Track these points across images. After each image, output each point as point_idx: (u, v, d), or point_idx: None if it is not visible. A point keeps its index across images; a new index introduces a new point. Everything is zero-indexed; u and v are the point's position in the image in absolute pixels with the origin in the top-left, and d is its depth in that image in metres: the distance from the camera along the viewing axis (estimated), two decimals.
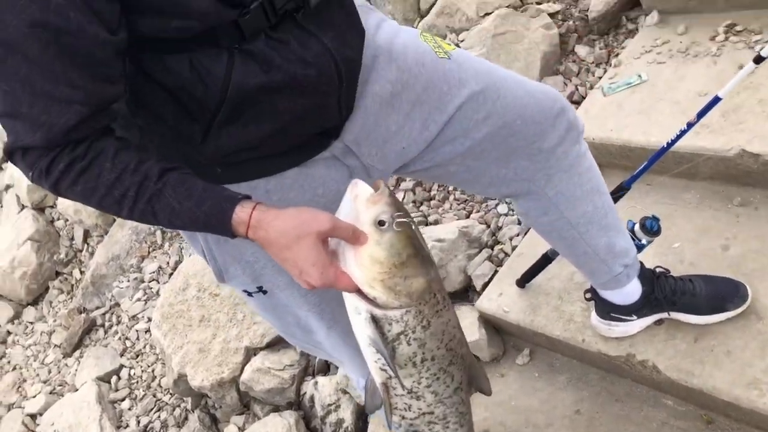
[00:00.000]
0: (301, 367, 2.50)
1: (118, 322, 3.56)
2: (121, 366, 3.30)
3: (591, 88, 2.42)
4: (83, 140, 0.99)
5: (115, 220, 3.97)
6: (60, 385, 3.51)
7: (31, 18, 0.88)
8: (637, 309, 1.69)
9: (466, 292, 2.27)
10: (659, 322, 1.73)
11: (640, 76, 2.23)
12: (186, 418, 2.87)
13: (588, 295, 1.76)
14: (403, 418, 1.15)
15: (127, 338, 3.41)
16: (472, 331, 2.09)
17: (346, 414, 2.31)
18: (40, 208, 4.37)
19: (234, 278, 1.30)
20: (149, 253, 3.72)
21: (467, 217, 2.43)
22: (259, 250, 1.03)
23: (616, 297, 1.68)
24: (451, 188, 2.56)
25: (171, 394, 2.97)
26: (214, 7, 0.96)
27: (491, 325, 2.13)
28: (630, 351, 1.73)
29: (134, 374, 3.23)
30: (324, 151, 1.20)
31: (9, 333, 4.08)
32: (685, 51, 2.21)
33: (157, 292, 3.45)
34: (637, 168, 1.70)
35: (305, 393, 2.48)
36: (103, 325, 3.63)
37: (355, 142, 1.23)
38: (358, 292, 1.00)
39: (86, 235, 4.16)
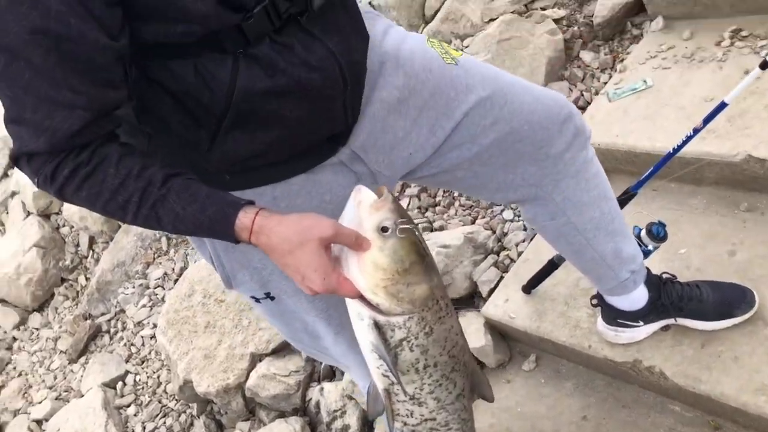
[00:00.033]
0: (307, 373, 2.50)
1: (124, 329, 3.56)
2: (127, 372, 3.30)
3: (596, 93, 2.42)
4: (87, 146, 0.99)
5: (120, 227, 3.98)
6: (66, 391, 3.51)
7: (32, 25, 0.89)
8: (644, 315, 1.69)
9: (472, 298, 2.27)
10: (666, 328, 1.72)
11: (645, 81, 2.23)
12: (191, 424, 2.87)
13: (594, 301, 1.76)
14: (405, 424, 1.15)
15: (132, 344, 3.42)
16: (478, 337, 2.09)
17: (352, 420, 2.30)
18: (45, 215, 4.38)
19: (242, 284, 1.30)
20: (154, 259, 3.72)
21: (472, 223, 2.43)
22: (267, 257, 1.03)
23: (623, 303, 1.67)
24: (456, 194, 2.56)
25: (176, 400, 2.97)
26: (214, 10, 0.97)
27: (497, 331, 2.12)
28: (637, 357, 1.72)
29: (139, 380, 3.23)
30: (331, 157, 1.20)
31: (15, 339, 4.08)
32: (690, 56, 2.21)
33: (163, 299, 3.46)
34: (643, 173, 1.70)
35: (311, 399, 2.48)
36: (108, 332, 3.63)
37: (363, 148, 1.23)
38: (361, 298, 1.00)
39: (91, 241, 4.17)
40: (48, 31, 0.90)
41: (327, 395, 2.39)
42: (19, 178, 4.48)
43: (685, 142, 1.61)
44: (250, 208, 1.01)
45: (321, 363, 2.49)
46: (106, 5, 0.92)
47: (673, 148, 1.63)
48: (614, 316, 1.72)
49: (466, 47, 2.71)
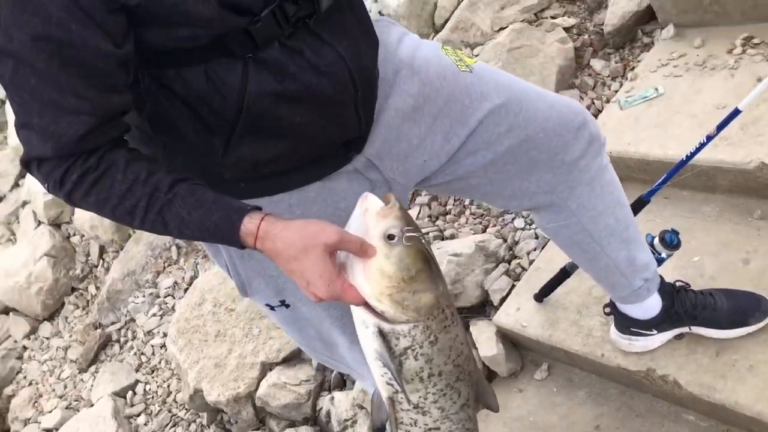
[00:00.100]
0: (317, 383, 2.49)
1: (134, 338, 3.57)
2: (137, 381, 3.30)
3: (607, 101, 2.42)
4: (95, 151, 1.01)
5: (130, 236, 3.99)
6: (76, 400, 3.51)
7: (34, 31, 0.91)
8: (658, 323, 1.67)
9: (483, 307, 2.26)
10: (680, 336, 1.71)
11: (656, 89, 2.22)
12: None
13: (607, 310, 1.75)
14: None
15: (142, 353, 3.42)
16: (489, 345, 2.08)
17: (363, 429, 2.29)
18: (56, 224, 4.40)
19: (257, 292, 1.31)
20: (165, 268, 3.73)
21: (484, 231, 2.42)
22: None
23: (636, 311, 1.66)
24: (467, 202, 2.56)
25: (186, 409, 2.97)
26: (218, 14, 0.97)
27: (509, 339, 2.11)
28: (650, 365, 1.71)
29: (150, 389, 3.23)
30: (346, 165, 1.21)
31: (25, 348, 4.09)
32: (702, 64, 2.20)
33: (173, 308, 3.46)
34: (655, 181, 1.69)
35: (321, 408, 2.48)
36: (118, 341, 3.63)
37: (377, 155, 1.23)
38: (366, 305, 1.00)
39: (102, 250, 4.18)
40: (50, 37, 0.91)
41: (338, 404, 2.38)
42: (31, 188, 4.51)
43: (698, 149, 1.60)
44: (255, 213, 1.01)
45: (332, 372, 2.48)
46: (108, 11, 0.93)
47: (687, 155, 1.63)
48: (627, 325, 1.71)
49: (476, 56, 2.71)
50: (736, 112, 1.53)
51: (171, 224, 1.02)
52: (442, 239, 2.47)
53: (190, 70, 1.03)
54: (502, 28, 2.76)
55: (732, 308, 1.64)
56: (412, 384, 1.06)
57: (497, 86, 1.29)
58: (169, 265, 3.71)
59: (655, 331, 1.69)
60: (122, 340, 3.61)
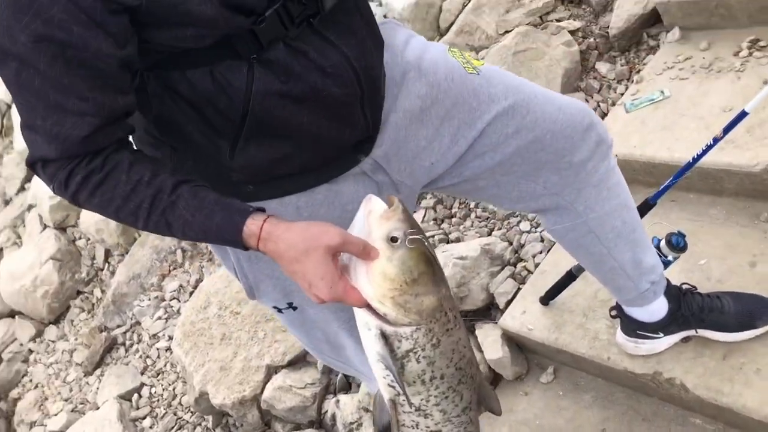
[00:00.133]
0: (323, 386, 2.49)
1: (139, 341, 3.57)
2: (142, 384, 3.30)
3: (613, 104, 2.42)
4: (99, 152, 1.01)
5: (135, 240, 4.00)
6: (81, 403, 3.52)
7: (36, 33, 0.91)
8: (664, 326, 1.67)
9: (489, 310, 2.25)
10: (687, 339, 1.70)
11: (662, 92, 2.22)
12: None
13: (613, 313, 1.74)
14: None
15: (147, 356, 3.42)
16: (495, 348, 2.07)
17: None
18: (62, 228, 4.41)
19: (265, 295, 1.31)
20: (170, 271, 3.74)
21: (489, 234, 2.42)
22: None
23: (643, 314, 1.66)
24: (472, 205, 2.56)
25: (192, 412, 2.97)
26: (221, 14, 0.97)
27: (515, 342, 2.11)
28: (657, 369, 1.70)
29: (155, 392, 3.23)
30: (354, 167, 1.21)
31: (31, 351, 4.10)
32: (708, 67, 2.20)
33: (178, 311, 3.46)
34: (661, 184, 1.69)
35: (327, 411, 2.47)
36: (123, 344, 3.64)
37: (385, 158, 1.23)
38: (368, 307, 1.00)
39: (107, 254, 4.19)
40: (52, 38, 0.92)
41: (343, 407, 2.38)
42: (37, 191, 4.52)
43: (705, 151, 1.60)
44: (258, 215, 1.01)
45: (337, 375, 2.48)
46: (110, 13, 0.93)
47: (693, 158, 1.62)
48: (634, 328, 1.70)
49: (482, 59, 2.72)
50: (742, 114, 1.53)
51: (174, 225, 1.03)
52: (448, 242, 2.47)
53: (196, 72, 1.03)
54: (507, 32, 2.76)
55: (739, 311, 1.63)
56: (414, 386, 1.05)
57: (505, 88, 1.29)
58: (174, 269, 3.72)
59: (661, 334, 1.68)
60: (128, 343, 3.62)
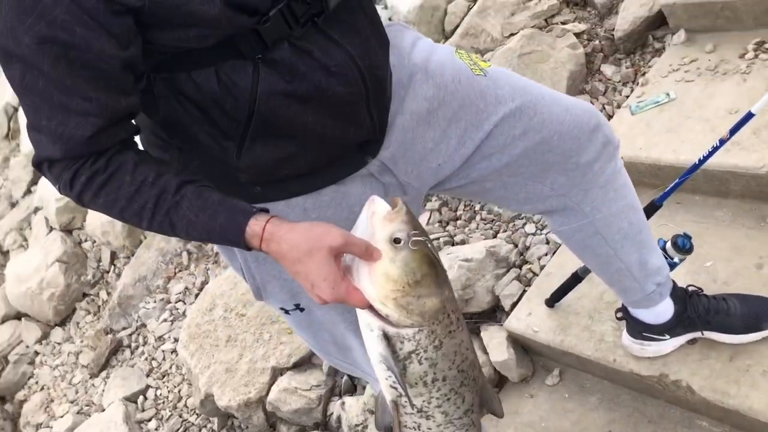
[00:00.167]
0: (328, 388, 2.49)
1: (145, 343, 3.58)
2: (148, 386, 3.30)
3: (618, 107, 2.42)
4: (104, 153, 1.02)
5: (141, 242, 4.01)
6: (87, 405, 3.52)
7: (40, 34, 0.92)
8: (670, 328, 1.67)
9: (494, 312, 2.25)
10: (693, 341, 1.70)
11: (668, 94, 2.22)
12: None
13: (619, 315, 1.74)
14: None
15: (153, 359, 3.43)
16: (500, 351, 2.07)
17: None
18: (68, 230, 4.42)
19: (272, 296, 1.31)
20: (175, 274, 3.74)
21: (494, 236, 2.42)
22: None
23: (649, 316, 1.66)
24: (477, 207, 2.56)
25: (197, 414, 2.97)
26: (224, 13, 0.98)
27: (520, 344, 2.11)
28: (663, 371, 1.70)
29: (160, 394, 3.23)
30: (361, 168, 1.21)
31: (37, 353, 4.11)
32: (713, 69, 2.20)
33: (184, 313, 3.47)
34: (667, 187, 1.69)
35: (332, 413, 2.47)
36: (129, 346, 3.64)
37: (392, 159, 1.23)
38: (371, 308, 1.00)
39: (113, 256, 4.20)
40: (55, 39, 0.92)
41: (348, 410, 2.38)
42: (43, 194, 4.54)
43: (711, 153, 1.60)
44: (261, 215, 1.01)
45: (342, 377, 2.48)
46: (113, 14, 0.94)
47: (700, 159, 1.62)
48: (640, 330, 1.70)
49: (488, 61, 2.72)
50: (749, 116, 1.53)
51: (178, 226, 1.03)
52: (453, 244, 2.47)
53: (202, 73, 1.04)
54: (512, 34, 2.77)
55: (745, 313, 1.63)
56: (416, 388, 1.05)
57: (512, 90, 1.29)
58: (179, 271, 3.72)
59: (667, 336, 1.68)
60: (133, 345, 3.62)
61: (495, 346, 2.09)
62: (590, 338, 1.88)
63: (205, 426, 2.92)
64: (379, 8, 3.23)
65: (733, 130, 1.57)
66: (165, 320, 3.54)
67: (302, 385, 2.49)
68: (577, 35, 2.65)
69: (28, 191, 4.97)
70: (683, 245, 1.63)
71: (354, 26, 1.11)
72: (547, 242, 2.25)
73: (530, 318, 2.03)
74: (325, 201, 1.21)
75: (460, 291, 2.18)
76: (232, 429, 2.80)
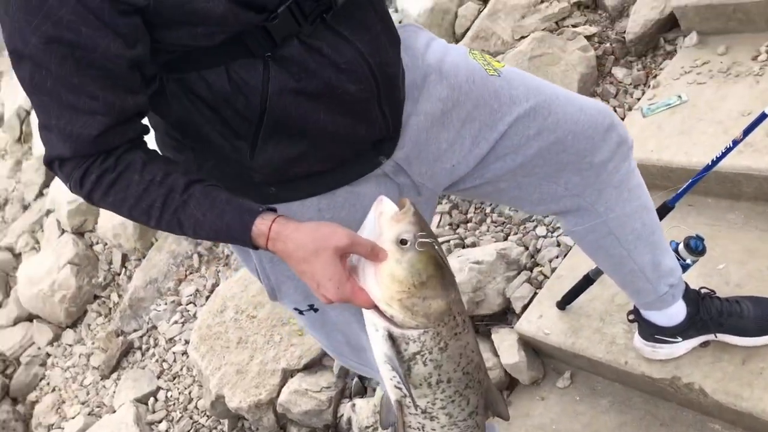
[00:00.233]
0: (338, 389, 2.49)
1: (155, 345, 3.59)
2: (158, 388, 3.32)
3: (629, 109, 2.41)
4: (113, 151, 1.03)
5: (152, 245, 4.03)
6: (98, 407, 3.54)
7: (47, 34, 0.93)
8: (682, 330, 1.66)
9: (505, 315, 2.25)
10: (705, 344, 1.69)
11: (679, 96, 2.22)
12: None
13: (631, 317, 1.74)
14: None
15: (164, 360, 3.44)
16: (511, 353, 2.07)
17: None
18: (79, 233, 4.45)
19: (286, 296, 1.31)
20: (186, 276, 3.76)
21: (505, 239, 2.42)
22: None
23: (661, 318, 1.65)
24: (488, 210, 2.56)
25: (208, 416, 2.98)
26: (231, 11, 0.98)
27: (531, 347, 2.10)
28: (675, 373, 1.69)
29: (171, 396, 3.24)
30: (375, 169, 1.21)
31: (48, 355, 4.13)
32: (726, 71, 2.19)
33: (194, 315, 3.48)
34: (679, 189, 1.68)
35: (342, 415, 2.47)
36: (140, 348, 3.66)
37: (406, 160, 1.23)
38: (376, 309, 1.00)
39: (124, 259, 4.23)
40: (61, 39, 0.93)
41: (359, 411, 2.38)
42: (55, 197, 4.57)
43: (724, 154, 1.60)
44: (267, 215, 1.02)
45: (353, 379, 2.48)
46: (119, 13, 0.94)
47: (713, 160, 1.62)
48: (652, 332, 1.69)
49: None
50: (763, 116, 1.53)
51: (186, 224, 1.04)
52: (464, 247, 2.47)
53: (212, 72, 1.04)
54: (522, 37, 2.77)
55: (759, 315, 1.62)
56: (421, 389, 1.05)
57: (526, 90, 1.29)
58: (190, 273, 3.74)
59: (679, 339, 1.67)
60: (144, 347, 3.64)
61: (506, 349, 2.09)
62: (602, 340, 1.87)
63: (216, 428, 2.93)
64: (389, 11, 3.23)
65: (747, 131, 1.56)
66: (176, 322, 3.56)
67: (313, 386, 2.49)
68: (588, 38, 2.65)
69: (40, 194, 5.00)
70: (696, 247, 1.62)
71: (363, 23, 1.11)
72: (558, 245, 2.25)
73: (541, 320, 2.03)
74: (339, 202, 1.21)
75: (471, 293, 2.18)
76: (243, 431, 2.81)
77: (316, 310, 1.32)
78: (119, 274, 4.21)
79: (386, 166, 1.22)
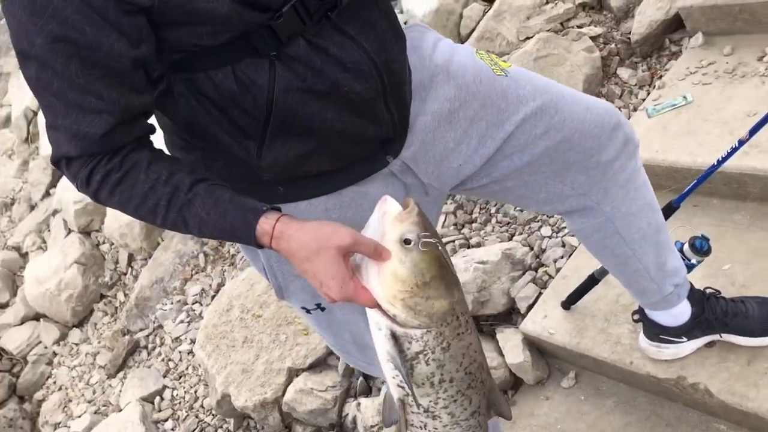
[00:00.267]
0: (344, 389, 2.50)
1: (161, 344, 3.61)
2: (164, 387, 3.33)
3: (634, 110, 2.42)
4: (119, 150, 1.03)
5: (159, 244, 4.05)
6: (104, 405, 3.56)
7: (52, 34, 0.94)
8: (687, 330, 1.66)
9: (510, 315, 2.25)
10: (711, 344, 1.69)
11: (685, 97, 2.22)
12: None
13: (636, 317, 1.74)
14: None
15: (170, 359, 3.45)
16: (516, 353, 2.07)
17: None
18: (86, 232, 4.47)
19: (294, 295, 1.32)
20: (192, 276, 3.77)
21: (510, 239, 2.42)
22: None
23: (666, 318, 1.65)
24: (493, 210, 2.56)
25: (213, 415, 2.99)
26: (235, 11, 0.98)
27: (536, 347, 2.11)
28: (680, 374, 1.70)
29: (177, 395, 3.26)
30: (383, 168, 1.22)
31: (55, 354, 4.15)
32: (732, 72, 2.19)
33: (200, 315, 3.50)
34: (683, 190, 1.69)
35: (347, 414, 2.48)
36: (146, 347, 3.68)
37: (413, 159, 1.24)
38: (379, 308, 1.00)
39: (130, 258, 4.24)
40: (67, 38, 0.94)
41: (364, 411, 2.39)
42: (62, 197, 4.59)
43: (730, 154, 1.60)
44: (271, 213, 1.02)
45: (358, 378, 2.49)
46: (123, 13, 0.95)
47: (718, 160, 1.62)
48: (657, 332, 1.69)
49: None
50: None
51: (191, 223, 1.05)
52: (468, 247, 2.47)
53: (219, 72, 1.05)
54: (528, 38, 2.77)
55: (764, 316, 1.62)
56: (423, 388, 1.05)
57: (533, 89, 1.29)
58: (196, 273, 3.75)
59: (685, 339, 1.67)
60: (150, 346, 3.65)
61: (510, 349, 2.09)
62: (606, 340, 1.87)
63: (221, 426, 2.94)
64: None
65: (753, 131, 1.56)
66: (182, 321, 3.57)
67: (318, 386, 2.50)
68: (593, 39, 2.66)
69: (47, 194, 5.03)
70: (701, 247, 1.63)
71: (369, 21, 1.12)
72: (563, 245, 2.25)
73: (546, 320, 2.03)
74: (346, 201, 1.22)
75: (476, 293, 2.18)
76: (248, 429, 2.82)
77: (323, 309, 1.32)
78: (125, 274, 4.22)
79: (393, 166, 1.23)
